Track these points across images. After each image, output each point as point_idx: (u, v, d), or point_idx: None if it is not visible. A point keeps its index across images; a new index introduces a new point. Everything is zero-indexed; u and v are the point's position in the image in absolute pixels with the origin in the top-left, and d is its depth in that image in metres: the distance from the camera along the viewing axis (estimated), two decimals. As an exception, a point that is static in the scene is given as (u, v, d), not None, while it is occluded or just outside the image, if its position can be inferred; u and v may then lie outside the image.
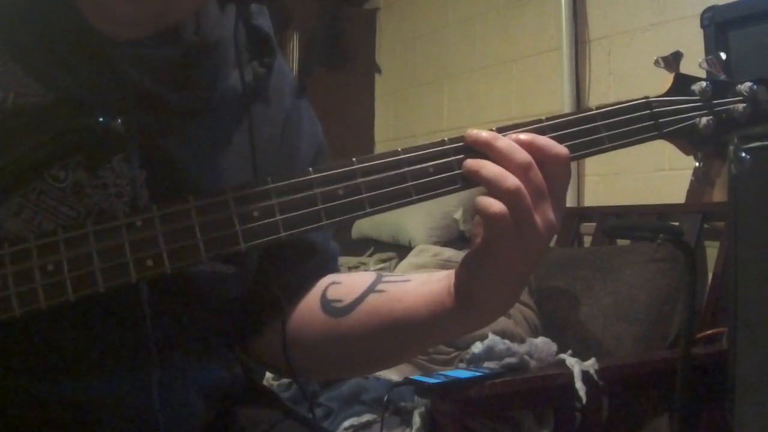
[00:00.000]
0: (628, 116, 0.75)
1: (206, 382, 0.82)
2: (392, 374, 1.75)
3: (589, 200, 2.64)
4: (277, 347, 0.83)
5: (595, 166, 2.61)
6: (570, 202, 2.62)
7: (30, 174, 0.67)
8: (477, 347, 1.67)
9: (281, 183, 0.67)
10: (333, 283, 0.86)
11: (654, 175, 2.38)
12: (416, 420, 1.55)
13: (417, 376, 1.61)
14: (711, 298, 2.03)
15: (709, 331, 1.96)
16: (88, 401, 0.72)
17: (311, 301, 0.85)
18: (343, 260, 2.69)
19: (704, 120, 0.78)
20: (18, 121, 0.68)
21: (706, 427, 1.81)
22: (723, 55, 0.83)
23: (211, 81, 0.77)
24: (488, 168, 0.68)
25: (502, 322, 1.86)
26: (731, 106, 0.80)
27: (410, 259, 2.32)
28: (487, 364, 1.63)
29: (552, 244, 2.56)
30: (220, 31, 0.79)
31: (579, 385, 1.62)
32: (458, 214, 2.70)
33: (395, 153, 0.69)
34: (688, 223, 2.10)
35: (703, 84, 0.79)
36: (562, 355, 1.71)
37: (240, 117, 0.80)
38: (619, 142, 0.75)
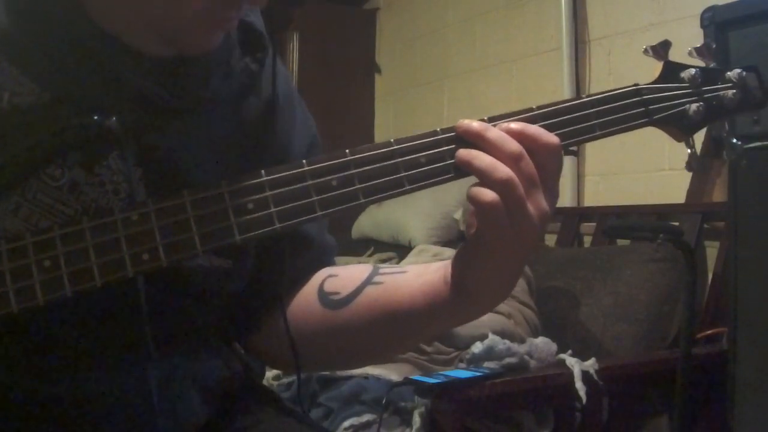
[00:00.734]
0: (618, 103, 0.75)
1: (205, 379, 0.82)
2: (392, 374, 1.75)
3: (589, 200, 2.64)
4: (276, 341, 0.84)
5: (595, 166, 2.61)
6: (570, 202, 2.62)
7: (27, 173, 0.67)
8: (477, 347, 1.66)
9: (275, 175, 0.67)
10: (330, 275, 0.86)
11: (654, 175, 2.38)
12: (416, 420, 1.55)
13: (417, 376, 1.60)
14: (711, 298, 2.03)
15: (709, 331, 1.96)
16: (87, 398, 0.73)
17: (308, 293, 0.86)
18: (343, 260, 2.68)
19: (694, 106, 0.79)
20: (14, 121, 0.68)
21: (706, 427, 1.81)
22: (713, 44, 0.83)
23: (205, 78, 0.77)
24: (480, 158, 0.68)
25: (502, 322, 1.86)
26: (721, 93, 0.80)
27: (410, 259, 2.33)
28: (487, 364, 1.62)
29: (552, 244, 2.58)
30: None
31: (579, 385, 1.61)
32: (458, 214, 2.70)
33: (388, 144, 0.69)
34: (688, 223, 2.10)
35: (692, 71, 0.79)
36: (562, 355, 1.71)
37: (234, 113, 0.80)
38: (610, 130, 0.75)
